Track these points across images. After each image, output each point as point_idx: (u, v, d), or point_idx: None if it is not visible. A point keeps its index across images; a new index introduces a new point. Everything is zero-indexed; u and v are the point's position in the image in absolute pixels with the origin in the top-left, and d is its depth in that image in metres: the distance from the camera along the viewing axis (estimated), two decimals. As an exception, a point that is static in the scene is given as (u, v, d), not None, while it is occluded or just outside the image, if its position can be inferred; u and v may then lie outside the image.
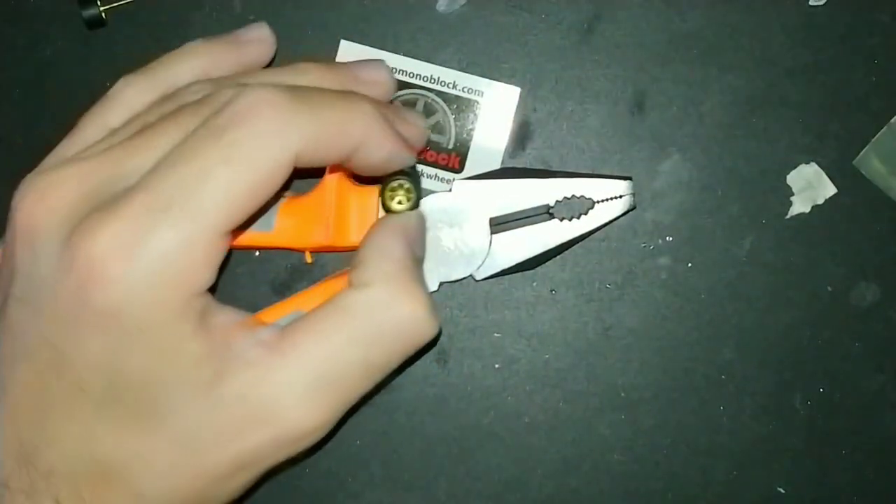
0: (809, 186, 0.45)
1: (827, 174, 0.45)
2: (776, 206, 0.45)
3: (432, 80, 0.44)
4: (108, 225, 0.31)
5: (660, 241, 0.45)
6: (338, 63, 0.38)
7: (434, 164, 0.45)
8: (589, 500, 0.45)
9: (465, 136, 0.45)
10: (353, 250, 0.42)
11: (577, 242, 0.43)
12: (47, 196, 0.33)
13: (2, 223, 0.39)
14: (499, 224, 0.43)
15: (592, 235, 0.43)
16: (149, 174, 0.32)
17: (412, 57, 0.44)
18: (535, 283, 0.45)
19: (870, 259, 0.45)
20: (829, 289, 0.45)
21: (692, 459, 0.45)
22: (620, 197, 0.43)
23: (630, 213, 0.43)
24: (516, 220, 0.43)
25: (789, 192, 0.45)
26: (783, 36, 0.45)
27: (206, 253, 0.32)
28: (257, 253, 0.45)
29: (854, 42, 0.45)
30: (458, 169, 0.45)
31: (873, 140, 0.44)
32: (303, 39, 0.45)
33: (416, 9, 0.45)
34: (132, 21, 0.45)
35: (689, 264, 0.45)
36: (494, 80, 0.45)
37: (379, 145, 0.36)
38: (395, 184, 0.39)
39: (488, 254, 0.42)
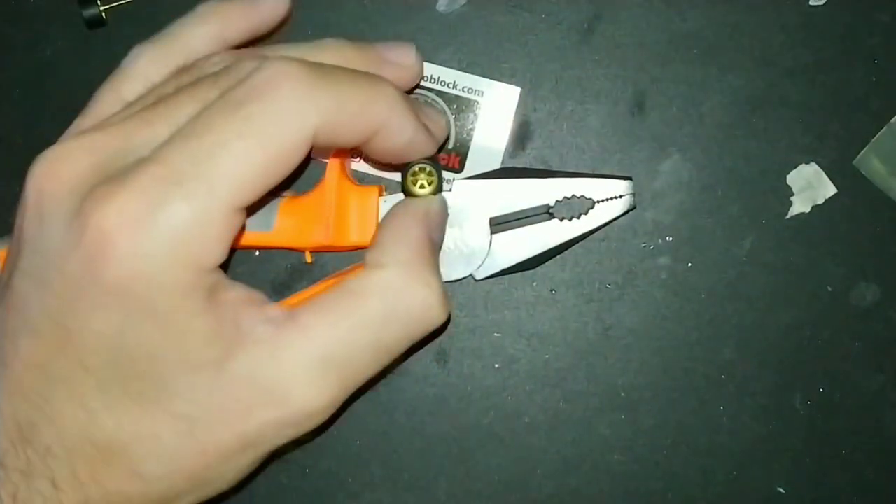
0: (809, 186, 0.45)
1: (827, 174, 0.45)
2: (776, 206, 0.45)
3: (432, 80, 0.44)
4: (118, 196, 0.31)
5: (660, 241, 0.45)
6: (365, 43, 0.37)
7: (434, 164, 0.45)
8: (589, 500, 0.45)
9: (465, 135, 0.45)
10: (353, 250, 0.42)
11: (577, 242, 0.43)
12: (57, 167, 0.32)
13: (3, 221, 0.39)
14: (499, 224, 0.43)
15: (592, 235, 0.43)
16: (162, 146, 0.32)
17: (412, 57, 0.44)
18: (535, 283, 0.45)
19: (870, 259, 0.45)
20: (829, 289, 0.45)
21: (692, 459, 0.45)
22: (620, 197, 0.43)
23: (630, 213, 0.43)
24: (516, 219, 0.43)
25: (789, 192, 0.45)
26: (783, 36, 0.45)
27: (219, 228, 0.31)
28: (257, 253, 0.45)
29: (854, 42, 0.45)
30: (458, 169, 0.45)
31: (873, 140, 0.44)
32: (303, 39, 0.45)
33: (416, 9, 0.45)
34: (132, 21, 0.45)
35: (689, 264, 0.45)
36: (494, 80, 0.45)
37: (400, 129, 0.35)
38: (416, 168, 0.39)
39: (488, 254, 0.42)
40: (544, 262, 0.44)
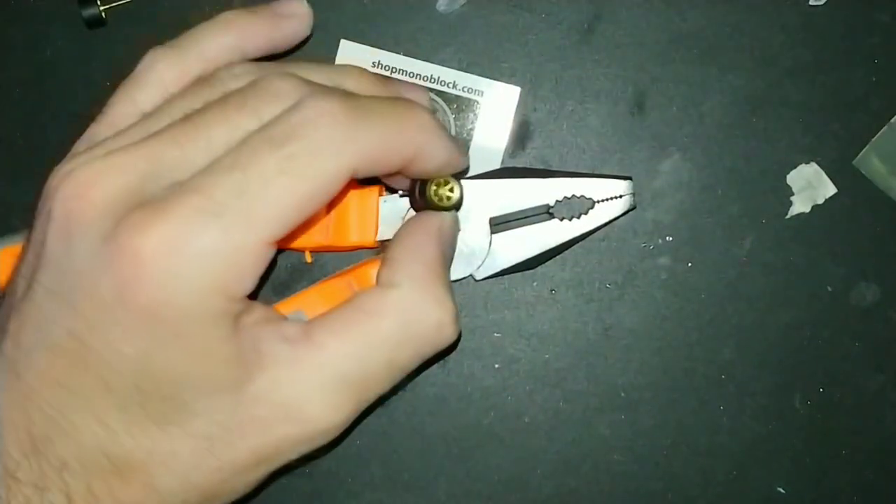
0: (809, 186, 0.45)
1: (827, 174, 0.45)
2: (776, 206, 0.45)
3: (432, 80, 0.44)
4: (158, 224, 0.31)
5: (660, 241, 0.45)
6: (383, 77, 0.38)
7: (434, 164, 0.45)
8: (589, 500, 0.45)
9: (465, 135, 0.45)
10: (353, 250, 0.42)
11: (577, 242, 0.43)
12: (88, 189, 0.32)
13: (3, 221, 0.39)
14: (499, 224, 0.43)
15: (592, 235, 0.43)
16: (202, 175, 0.32)
17: (412, 57, 0.44)
18: (535, 283, 0.45)
19: (870, 259, 0.45)
20: (829, 289, 0.45)
21: (692, 459, 0.45)
22: (620, 197, 0.43)
23: (630, 212, 0.43)
24: (516, 219, 0.43)
25: (789, 192, 0.45)
26: (783, 36, 0.45)
27: (254, 261, 0.32)
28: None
29: (854, 42, 0.45)
30: (458, 169, 0.45)
31: (873, 140, 0.44)
32: (303, 39, 0.45)
33: (416, 9, 0.45)
34: (132, 21, 0.45)
35: (689, 264, 0.45)
36: (494, 79, 0.45)
37: (436, 153, 0.36)
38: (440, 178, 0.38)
39: (488, 254, 0.42)
40: (544, 262, 0.44)
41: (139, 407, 0.32)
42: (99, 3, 0.44)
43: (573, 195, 0.43)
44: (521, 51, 0.45)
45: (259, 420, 0.33)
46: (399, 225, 0.40)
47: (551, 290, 0.45)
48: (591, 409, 0.45)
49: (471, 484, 0.45)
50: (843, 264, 0.45)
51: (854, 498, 0.45)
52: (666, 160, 0.45)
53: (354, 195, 0.41)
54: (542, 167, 0.45)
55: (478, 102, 0.45)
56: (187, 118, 0.33)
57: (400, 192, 0.41)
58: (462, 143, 0.39)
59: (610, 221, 0.43)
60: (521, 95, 0.45)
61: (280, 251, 0.43)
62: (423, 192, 0.38)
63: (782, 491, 0.45)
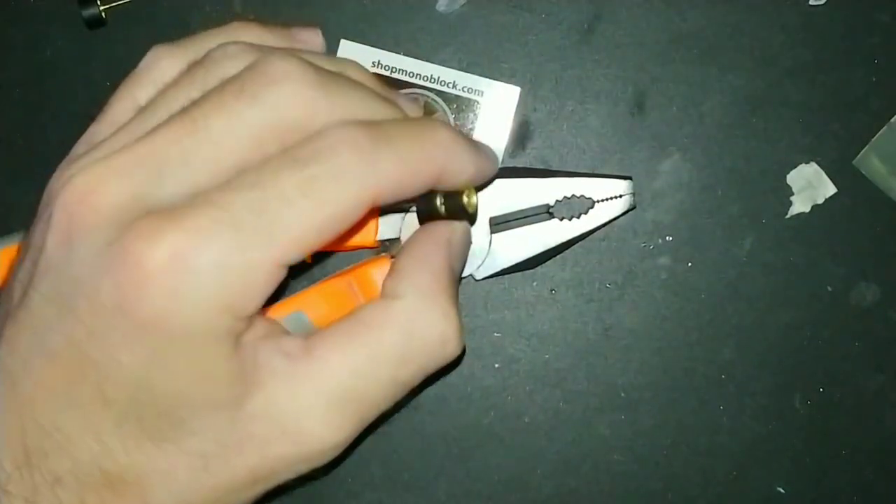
0: (809, 186, 0.45)
1: (827, 174, 0.45)
2: (776, 206, 0.45)
3: (432, 80, 0.44)
4: (168, 233, 0.30)
5: (660, 241, 0.45)
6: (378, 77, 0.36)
7: (434, 164, 0.45)
8: (589, 500, 0.45)
9: (465, 135, 0.45)
10: (353, 250, 0.42)
11: (577, 242, 0.43)
12: (90, 194, 0.31)
13: (3, 221, 0.39)
14: (499, 224, 0.43)
15: (592, 235, 0.43)
16: (220, 189, 0.30)
17: (412, 57, 0.44)
18: (535, 283, 0.45)
19: (870, 259, 0.45)
20: (829, 289, 0.45)
21: (692, 459, 0.45)
22: (620, 197, 0.43)
23: (630, 212, 0.43)
24: (516, 219, 0.43)
25: (789, 192, 0.45)
26: (783, 36, 0.45)
27: (265, 281, 0.31)
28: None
29: (854, 42, 0.45)
30: (458, 169, 0.45)
31: (873, 140, 0.44)
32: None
33: (416, 9, 0.45)
34: (132, 21, 0.45)
35: (689, 264, 0.45)
36: (494, 79, 0.45)
37: (462, 169, 0.34)
38: None
39: (488, 253, 0.42)
40: (544, 262, 0.44)
41: (135, 422, 0.31)
42: (99, 3, 0.44)
43: (573, 195, 0.43)
44: (521, 51, 0.45)
45: (256, 438, 0.32)
46: (400, 225, 0.40)
47: (551, 290, 0.45)
48: (591, 409, 0.45)
49: (471, 484, 0.45)
50: (843, 264, 0.45)
51: (854, 498, 0.45)
52: (666, 160, 0.45)
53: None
54: (542, 167, 0.45)
55: (478, 102, 0.45)
56: (185, 112, 0.32)
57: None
58: (489, 149, 0.36)
59: (610, 221, 0.43)
60: (521, 95, 0.45)
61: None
62: (431, 200, 0.36)
63: (782, 491, 0.45)
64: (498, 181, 0.43)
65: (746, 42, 0.45)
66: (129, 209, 0.30)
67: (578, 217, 0.43)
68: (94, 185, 0.31)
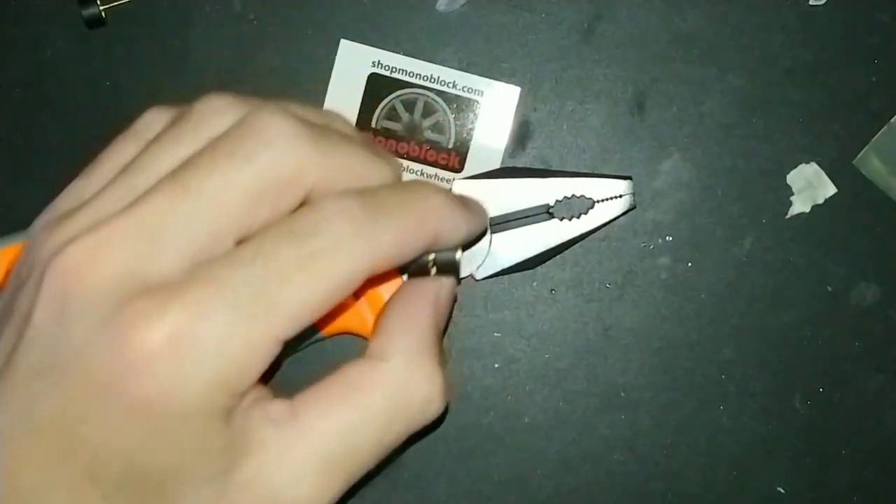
0: (809, 186, 0.45)
1: (827, 174, 0.45)
2: (776, 206, 0.45)
3: (432, 80, 0.44)
4: (166, 314, 0.29)
5: (660, 241, 0.45)
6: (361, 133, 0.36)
7: (434, 164, 0.45)
8: (589, 500, 0.45)
9: (465, 135, 0.45)
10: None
11: (577, 242, 0.43)
12: (85, 267, 0.30)
13: (3, 221, 0.38)
14: (499, 224, 0.43)
15: (592, 235, 0.43)
16: (218, 263, 0.30)
17: (412, 57, 0.44)
18: (535, 283, 0.45)
19: (870, 259, 0.45)
20: (829, 289, 0.45)
21: (692, 459, 0.45)
22: (620, 196, 0.43)
23: (630, 212, 0.43)
24: (516, 219, 0.43)
25: (789, 192, 0.45)
26: (783, 36, 0.45)
27: (262, 358, 0.30)
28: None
29: (854, 42, 0.45)
30: (458, 168, 0.45)
31: (873, 140, 0.44)
32: (303, 39, 0.45)
33: (416, 9, 0.45)
34: (132, 21, 0.45)
35: (689, 264, 0.45)
36: (494, 79, 0.45)
37: (455, 232, 0.34)
38: None
39: (488, 253, 0.42)
40: (544, 262, 0.44)
41: (123, 497, 0.30)
42: (99, 3, 0.44)
43: (573, 195, 0.43)
44: (521, 51, 0.45)
45: None
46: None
47: (551, 290, 0.45)
48: (591, 409, 0.45)
49: (471, 484, 0.45)
50: (843, 264, 0.45)
51: (854, 498, 0.45)
52: (666, 160, 0.45)
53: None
54: (542, 167, 0.45)
55: (478, 102, 0.45)
56: (177, 176, 0.31)
57: None
58: (479, 206, 0.36)
59: (610, 221, 0.43)
60: (521, 95, 0.45)
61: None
62: (420, 259, 0.35)
63: (782, 491, 0.45)
64: (498, 181, 0.43)
65: (746, 42, 0.45)
66: (125, 284, 0.30)
67: (578, 217, 0.43)
68: (88, 257, 0.30)
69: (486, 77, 0.44)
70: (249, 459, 0.31)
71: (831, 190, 0.45)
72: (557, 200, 0.43)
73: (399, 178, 0.35)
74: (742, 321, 0.45)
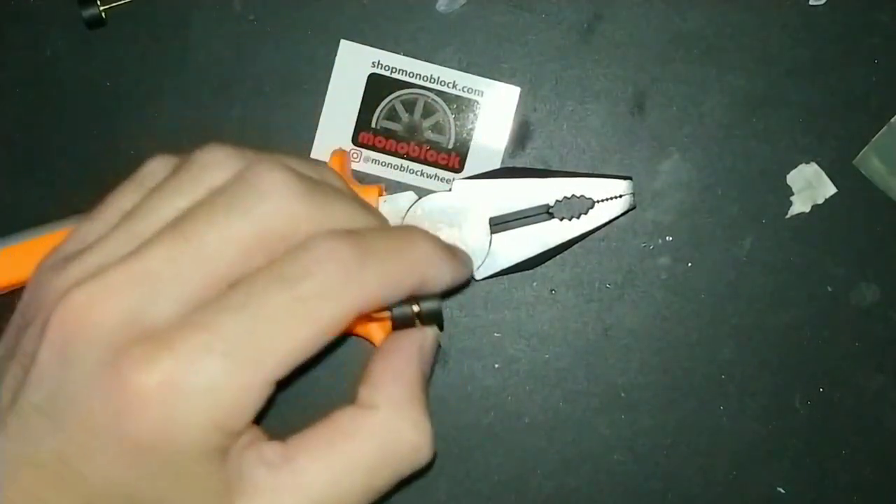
0: (809, 186, 0.45)
1: (827, 174, 0.45)
2: (776, 206, 0.45)
3: (432, 80, 0.44)
4: (161, 360, 0.30)
5: (660, 241, 0.45)
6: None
7: (434, 164, 0.45)
8: (589, 500, 0.45)
9: (465, 135, 0.45)
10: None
11: (577, 242, 0.43)
12: (87, 312, 0.31)
13: (3, 221, 0.38)
14: (499, 224, 0.43)
15: (592, 235, 0.43)
16: (211, 309, 0.31)
17: (412, 57, 0.44)
18: (535, 283, 0.45)
19: (870, 259, 0.45)
20: (829, 289, 0.45)
21: (692, 459, 0.45)
22: (620, 197, 0.43)
23: (630, 212, 0.43)
24: (516, 219, 0.43)
25: (789, 192, 0.45)
26: (783, 36, 0.45)
27: (255, 399, 0.32)
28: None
29: (854, 42, 0.45)
30: (458, 168, 0.45)
31: (873, 140, 0.44)
32: (303, 39, 0.45)
33: (416, 9, 0.45)
34: (132, 21, 0.45)
35: (689, 264, 0.45)
36: (494, 79, 0.45)
37: (440, 278, 0.35)
38: None
39: (488, 254, 0.42)
40: (544, 262, 0.44)
41: None
42: (99, 3, 0.44)
43: (573, 195, 0.43)
44: (521, 51, 0.45)
45: None
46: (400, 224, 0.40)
47: (551, 290, 0.45)
48: (591, 409, 0.45)
49: (471, 484, 0.45)
50: (843, 264, 0.45)
51: (854, 498, 0.45)
52: (666, 160, 0.45)
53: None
54: (542, 167, 0.45)
55: (478, 102, 0.45)
56: (177, 226, 0.32)
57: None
58: (465, 254, 0.38)
59: (610, 221, 0.43)
60: (521, 95, 0.45)
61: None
62: (406, 309, 0.36)
63: (782, 491, 0.45)
64: (498, 181, 0.43)
65: (746, 42, 0.45)
66: (125, 329, 0.31)
67: (578, 217, 0.43)
68: (91, 303, 0.31)
69: (486, 77, 0.44)
70: (244, 500, 0.32)
71: (831, 190, 0.45)
72: (557, 200, 0.43)
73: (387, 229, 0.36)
74: (742, 321, 0.45)
